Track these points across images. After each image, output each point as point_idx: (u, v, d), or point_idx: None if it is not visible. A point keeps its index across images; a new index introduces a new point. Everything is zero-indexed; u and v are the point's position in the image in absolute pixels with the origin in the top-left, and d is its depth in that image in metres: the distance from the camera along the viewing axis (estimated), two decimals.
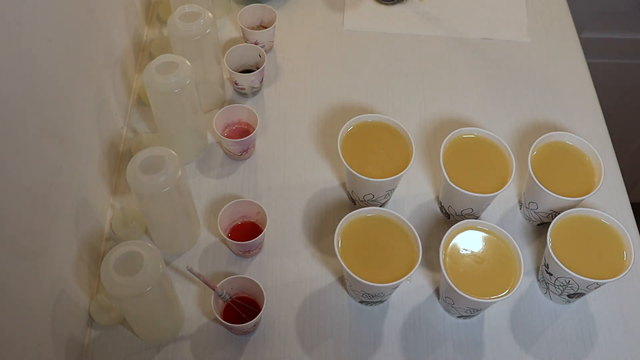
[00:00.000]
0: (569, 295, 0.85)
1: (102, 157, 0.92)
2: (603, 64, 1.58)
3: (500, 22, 1.20)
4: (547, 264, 0.84)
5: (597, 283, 0.79)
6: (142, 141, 0.97)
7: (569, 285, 0.82)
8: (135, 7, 1.09)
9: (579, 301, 0.88)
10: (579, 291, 0.83)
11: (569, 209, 0.85)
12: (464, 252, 0.82)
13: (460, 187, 0.84)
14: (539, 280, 0.90)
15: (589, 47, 1.23)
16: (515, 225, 0.95)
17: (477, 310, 0.83)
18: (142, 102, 1.05)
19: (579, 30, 1.20)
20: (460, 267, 0.81)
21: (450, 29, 1.18)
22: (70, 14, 0.80)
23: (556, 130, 1.04)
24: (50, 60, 0.74)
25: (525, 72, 1.13)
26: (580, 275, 0.78)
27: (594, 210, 0.85)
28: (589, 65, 1.14)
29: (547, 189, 0.85)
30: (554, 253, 0.81)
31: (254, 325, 0.82)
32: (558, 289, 0.85)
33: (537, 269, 0.91)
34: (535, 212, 0.92)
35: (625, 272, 0.79)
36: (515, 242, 0.81)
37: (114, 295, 0.70)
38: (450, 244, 0.82)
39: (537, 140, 0.90)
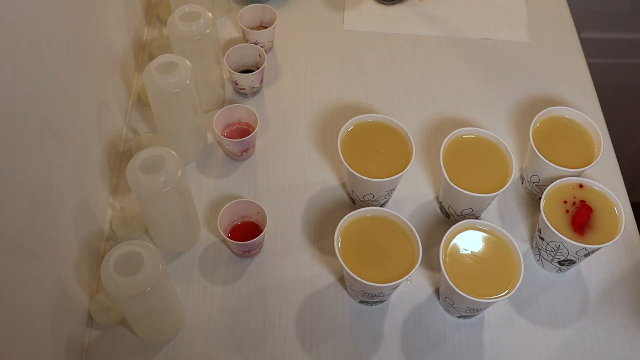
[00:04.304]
0: (560, 262, 0.86)
1: (102, 157, 0.92)
2: (603, 64, 1.58)
3: (500, 22, 1.20)
4: (540, 229, 0.86)
5: (585, 249, 0.81)
6: (142, 141, 0.97)
7: (559, 251, 0.83)
8: (135, 7, 1.09)
9: (579, 304, 0.88)
10: (569, 257, 0.84)
11: None
12: (464, 252, 0.82)
13: (460, 187, 0.85)
14: (532, 248, 0.92)
15: (589, 47, 1.23)
16: (515, 226, 0.95)
17: (477, 310, 0.83)
18: (142, 102, 1.05)
19: (579, 30, 1.20)
20: (460, 267, 0.81)
21: (450, 29, 1.18)
22: (70, 14, 0.80)
23: None
24: (50, 60, 0.74)
25: (525, 72, 1.13)
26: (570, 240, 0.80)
27: (590, 180, 0.86)
28: (589, 65, 1.14)
29: (548, 161, 0.87)
30: (546, 217, 0.82)
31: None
32: (549, 255, 0.86)
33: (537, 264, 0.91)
34: (537, 185, 0.93)
35: (614, 240, 0.80)
36: (515, 242, 0.81)
37: (114, 295, 0.70)
38: (450, 244, 0.82)
39: (538, 114, 0.92)
